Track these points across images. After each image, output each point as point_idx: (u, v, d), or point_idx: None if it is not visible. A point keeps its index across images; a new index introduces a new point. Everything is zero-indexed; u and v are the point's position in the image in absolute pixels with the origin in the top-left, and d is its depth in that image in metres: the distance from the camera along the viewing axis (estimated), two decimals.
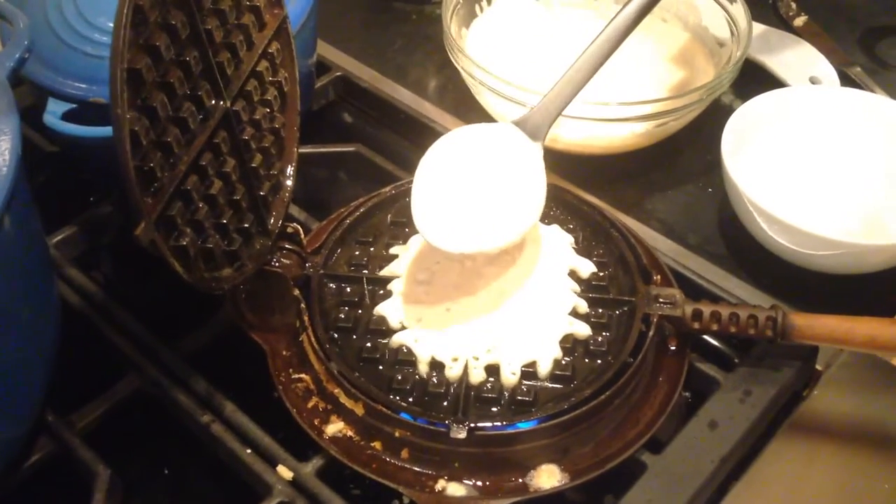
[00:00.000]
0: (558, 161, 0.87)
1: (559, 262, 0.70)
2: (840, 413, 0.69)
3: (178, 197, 0.54)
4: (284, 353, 0.67)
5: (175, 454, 0.70)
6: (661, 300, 0.66)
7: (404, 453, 0.61)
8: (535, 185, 0.68)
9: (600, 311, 0.66)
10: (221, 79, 0.57)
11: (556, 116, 0.71)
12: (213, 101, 0.57)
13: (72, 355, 0.67)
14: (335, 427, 0.62)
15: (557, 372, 0.63)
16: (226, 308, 0.68)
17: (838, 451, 0.67)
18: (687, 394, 0.70)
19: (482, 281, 0.68)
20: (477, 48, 0.93)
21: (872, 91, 0.94)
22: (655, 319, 0.65)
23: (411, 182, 0.75)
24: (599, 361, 0.64)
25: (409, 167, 0.85)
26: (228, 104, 0.58)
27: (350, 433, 0.62)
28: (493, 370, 0.63)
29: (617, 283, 0.69)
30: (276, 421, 0.65)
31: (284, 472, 0.61)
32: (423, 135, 0.89)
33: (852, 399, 0.69)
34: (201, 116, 0.56)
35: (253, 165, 0.63)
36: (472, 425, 0.59)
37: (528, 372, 0.63)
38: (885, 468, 0.65)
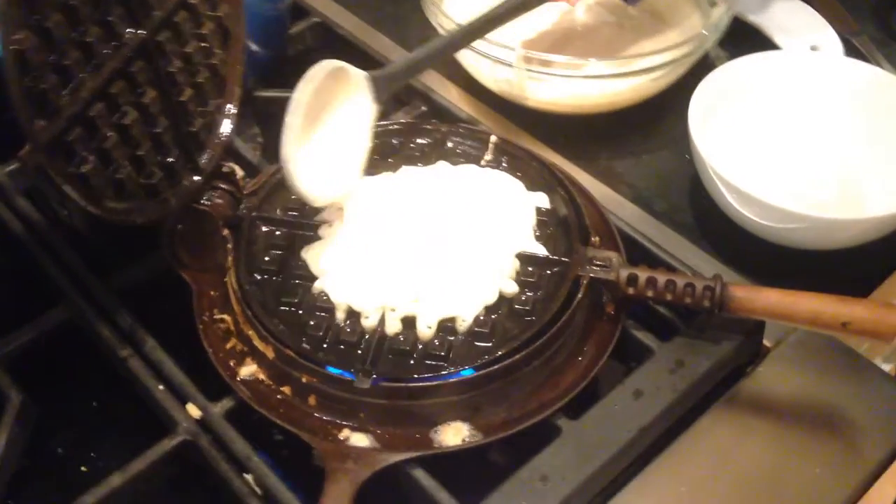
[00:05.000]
0: (529, 118, 0.84)
1: (506, 211, 0.68)
2: (782, 392, 0.66)
3: (78, 123, 0.53)
4: (212, 293, 0.66)
5: (104, 388, 0.70)
6: (596, 262, 0.64)
7: (311, 400, 0.60)
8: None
9: (530, 269, 0.64)
10: (140, 7, 0.56)
11: (401, 84, 0.72)
12: (130, 30, 0.56)
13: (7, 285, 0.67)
14: (248, 370, 0.62)
15: (476, 328, 0.61)
16: (161, 244, 0.68)
17: (773, 430, 0.64)
18: (633, 364, 0.68)
19: (417, 228, 0.66)
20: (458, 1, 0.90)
21: (876, 61, 0.90)
22: (586, 281, 0.63)
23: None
24: (522, 321, 0.62)
25: (382, 118, 0.83)
26: (147, 34, 0.57)
27: (262, 377, 0.61)
28: (410, 322, 0.61)
29: (553, 242, 0.66)
30: (199, 362, 0.64)
31: (193, 411, 0.61)
32: (402, 89, 0.87)
33: (798, 379, 0.66)
34: (114, 44, 0.55)
35: (181, 100, 0.62)
36: (376, 376, 0.58)
37: (447, 326, 0.61)
38: (819, 451, 0.61)
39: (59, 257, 0.70)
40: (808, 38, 0.90)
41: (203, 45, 0.64)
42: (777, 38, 0.91)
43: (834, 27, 0.92)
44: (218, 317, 0.65)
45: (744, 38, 0.84)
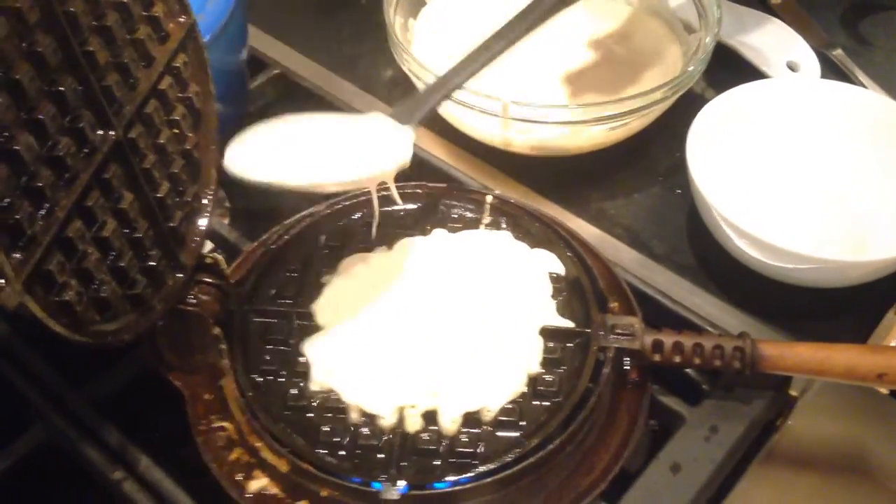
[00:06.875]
0: (514, 165, 0.81)
1: (518, 279, 0.63)
2: (816, 443, 0.64)
3: (56, 247, 0.47)
4: (206, 396, 0.60)
5: None
6: (618, 331, 0.60)
7: None
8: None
9: (551, 344, 0.60)
10: (109, 106, 0.50)
11: (434, 104, 0.66)
12: (101, 132, 0.50)
13: None
14: (259, 483, 0.57)
15: (503, 417, 0.57)
16: (142, 346, 0.62)
17: (815, 485, 0.62)
18: (653, 422, 0.65)
19: (427, 311, 0.61)
20: (426, 41, 0.86)
21: (854, 75, 0.88)
22: (612, 353, 0.59)
23: (349, 199, 0.69)
24: (548, 403, 0.58)
25: None
26: (120, 133, 0.51)
27: (275, 490, 0.56)
28: (431, 417, 0.57)
29: (570, 309, 0.63)
30: (199, 472, 0.59)
31: None
32: None
33: (829, 427, 0.64)
34: (85, 151, 0.49)
35: (158, 196, 0.56)
36: (406, 487, 0.53)
37: (473, 418, 0.57)
38: (867, 500, 0.60)
39: (26, 368, 0.63)
40: (785, 56, 0.88)
41: (175, 131, 0.58)
42: (752, 58, 0.89)
43: (808, 42, 0.90)
44: (217, 424, 0.59)
45: (718, 60, 0.81)
